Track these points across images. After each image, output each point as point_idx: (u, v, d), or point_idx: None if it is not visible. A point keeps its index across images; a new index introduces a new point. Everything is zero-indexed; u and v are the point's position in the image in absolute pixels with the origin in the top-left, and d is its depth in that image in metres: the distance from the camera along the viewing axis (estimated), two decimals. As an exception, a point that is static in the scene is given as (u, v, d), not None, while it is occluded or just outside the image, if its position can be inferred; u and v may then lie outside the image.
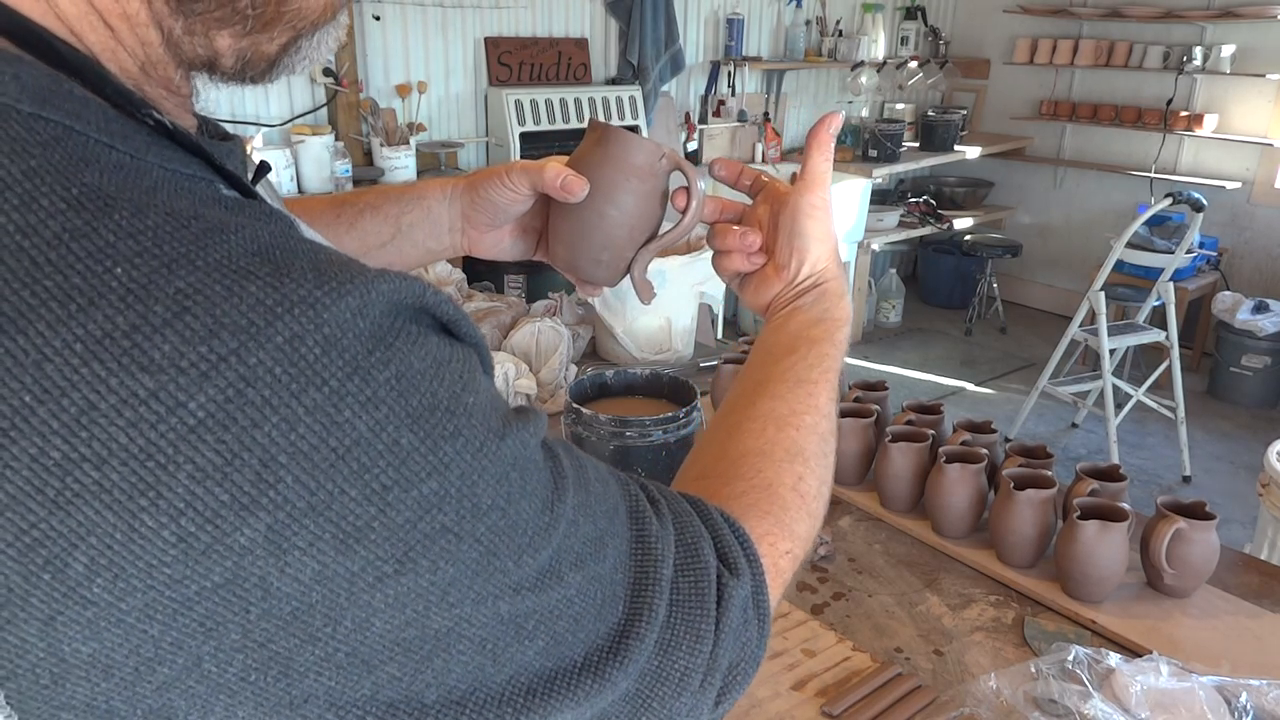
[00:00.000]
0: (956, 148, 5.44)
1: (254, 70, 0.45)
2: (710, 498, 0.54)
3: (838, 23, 5.35)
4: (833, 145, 0.72)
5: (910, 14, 5.85)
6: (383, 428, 0.34)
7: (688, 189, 0.75)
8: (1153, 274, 4.04)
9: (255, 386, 0.31)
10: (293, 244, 0.35)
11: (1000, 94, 6.01)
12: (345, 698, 0.35)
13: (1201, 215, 3.63)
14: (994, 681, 0.93)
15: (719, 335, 2.27)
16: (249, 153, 0.51)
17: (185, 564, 0.31)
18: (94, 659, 0.31)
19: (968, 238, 5.47)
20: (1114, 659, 0.94)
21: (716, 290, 1.93)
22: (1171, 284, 3.74)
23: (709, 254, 0.79)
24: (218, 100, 0.47)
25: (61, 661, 0.31)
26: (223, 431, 0.31)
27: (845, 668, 1.00)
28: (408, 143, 3.64)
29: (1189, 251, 4.00)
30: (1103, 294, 3.67)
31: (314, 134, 3.44)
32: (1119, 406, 3.84)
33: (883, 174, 5.16)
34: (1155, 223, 4.38)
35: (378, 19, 3.70)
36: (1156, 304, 3.86)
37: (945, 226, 5.46)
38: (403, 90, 3.75)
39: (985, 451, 1.23)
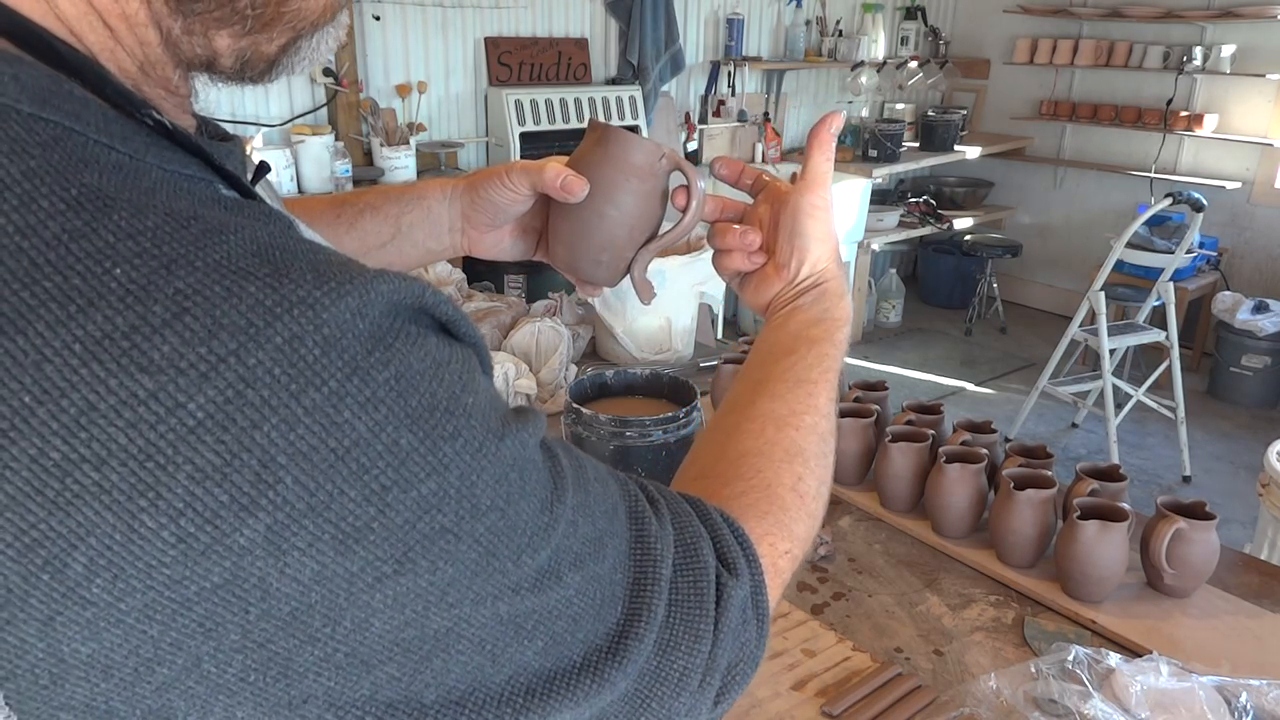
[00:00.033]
0: (956, 148, 5.44)
1: (253, 70, 0.45)
2: (709, 498, 0.54)
3: (838, 23, 5.35)
4: (834, 145, 0.72)
5: (910, 14, 5.85)
6: (382, 428, 0.34)
7: (688, 188, 0.75)
8: (1153, 274, 4.04)
9: (255, 387, 0.31)
10: (292, 244, 0.35)
11: (1000, 94, 6.01)
12: (344, 698, 0.35)
13: (1201, 215, 3.63)
14: (994, 681, 0.93)
15: (719, 335, 2.27)
16: (249, 153, 0.51)
17: (185, 564, 0.31)
18: (93, 659, 0.31)
19: (968, 238, 5.47)
20: (1114, 659, 0.94)
21: (716, 290, 1.93)
22: (1171, 284, 3.74)
23: (709, 254, 0.80)
24: (218, 100, 0.47)
25: (61, 662, 0.31)
26: (222, 432, 0.31)
27: (845, 668, 1.00)
28: (408, 143, 3.64)
29: (1189, 251, 4.00)
30: (1103, 294, 3.67)
31: (314, 134, 3.44)
32: (1119, 406, 3.84)
33: (883, 174, 5.16)
34: (1155, 223, 4.38)
35: (378, 19, 3.70)
36: (1156, 304, 3.86)
37: (945, 226, 5.46)
38: (403, 90, 3.75)
39: (985, 451, 1.23)
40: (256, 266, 0.33)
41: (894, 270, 5.68)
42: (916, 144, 5.53)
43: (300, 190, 3.44)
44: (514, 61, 4.11)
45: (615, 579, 0.43)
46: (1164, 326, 3.81)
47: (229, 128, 0.51)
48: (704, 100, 4.96)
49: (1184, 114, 5.10)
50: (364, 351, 0.34)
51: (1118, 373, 4.16)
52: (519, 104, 3.93)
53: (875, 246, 5.13)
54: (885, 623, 1.08)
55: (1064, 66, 5.53)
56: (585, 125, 0.77)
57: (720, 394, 1.51)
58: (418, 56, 3.87)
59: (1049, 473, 1.18)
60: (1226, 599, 1.12)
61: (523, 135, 3.93)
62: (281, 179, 3.34)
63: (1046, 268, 5.95)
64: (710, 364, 1.82)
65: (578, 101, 4.08)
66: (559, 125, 4.01)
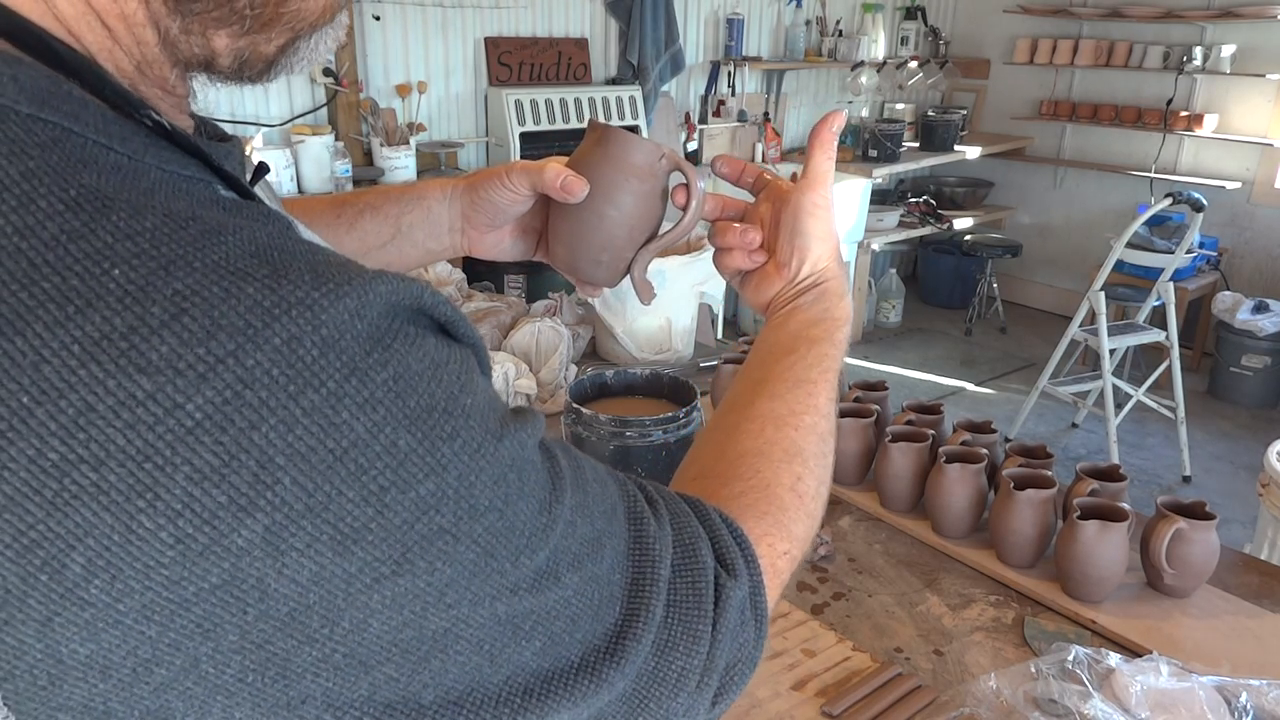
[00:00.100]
0: (956, 148, 5.44)
1: (251, 70, 0.45)
2: (708, 498, 0.54)
3: (838, 23, 5.35)
4: (835, 144, 0.72)
5: (910, 14, 5.85)
6: (380, 429, 0.34)
7: (687, 187, 0.75)
8: (1153, 274, 4.04)
9: (253, 388, 0.31)
10: (290, 245, 0.35)
11: (1000, 94, 6.01)
12: (343, 698, 0.35)
13: (1201, 215, 3.63)
14: (994, 681, 0.93)
15: (719, 335, 2.27)
16: (248, 153, 0.51)
17: (183, 565, 0.31)
18: (91, 660, 0.31)
19: (968, 238, 5.47)
20: (1114, 659, 0.94)
21: (716, 290, 1.93)
22: (1171, 284, 3.74)
23: (709, 254, 0.80)
24: (217, 100, 0.47)
25: (59, 662, 0.31)
26: (220, 433, 0.31)
27: (845, 668, 1.00)
28: (408, 143, 3.64)
29: (1189, 251, 4.00)
30: (1103, 294, 3.67)
31: (314, 134, 3.44)
32: (1119, 406, 3.84)
33: (883, 174, 5.16)
34: (1155, 223, 4.38)
35: (378, 19, 3.70)
36: (1156, 304, 3.86)
37: (945, 226, 5.46)
38: (403, 90, 3.75)
39: (985, 451, 1.23)
40: (255, 267, 0.33)
41: (894, 270, 5.68)
42: (916, 144, 5.53)
43: (300, 190, 3.44)
44: (514, 61, 4.11)
45: (613, 579, 0.43)
46: (1164, 326, 3.81)
47: (229, 128, 0.51)
48: (704, 100, 4.96)
49: (1184, 114, 5.10)
50: (362, 352, 0.34)
51: (1118, 373, 4.16)
52: (519, 104, 3.93)
53: (875, 246, 5.13)
54: (885, 623, 1.08)
55: (1064, 66, 5.53)
56: (585, 125, 0.77)
57: (720, 394, 1.51)
58: (418, 56, 3.87)
59: (1049, 473, 1.18)
60: (1226, 599, 1.12)
61: (523, 135, 3.93)
62: (281, 179, 3.34)
63: (1046, 268, 5.95)
64: (710, 364, 1.82)
65: (578, 101, 4.08)
66: (559, 125, 4.01)
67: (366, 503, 0.33)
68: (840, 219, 4.54)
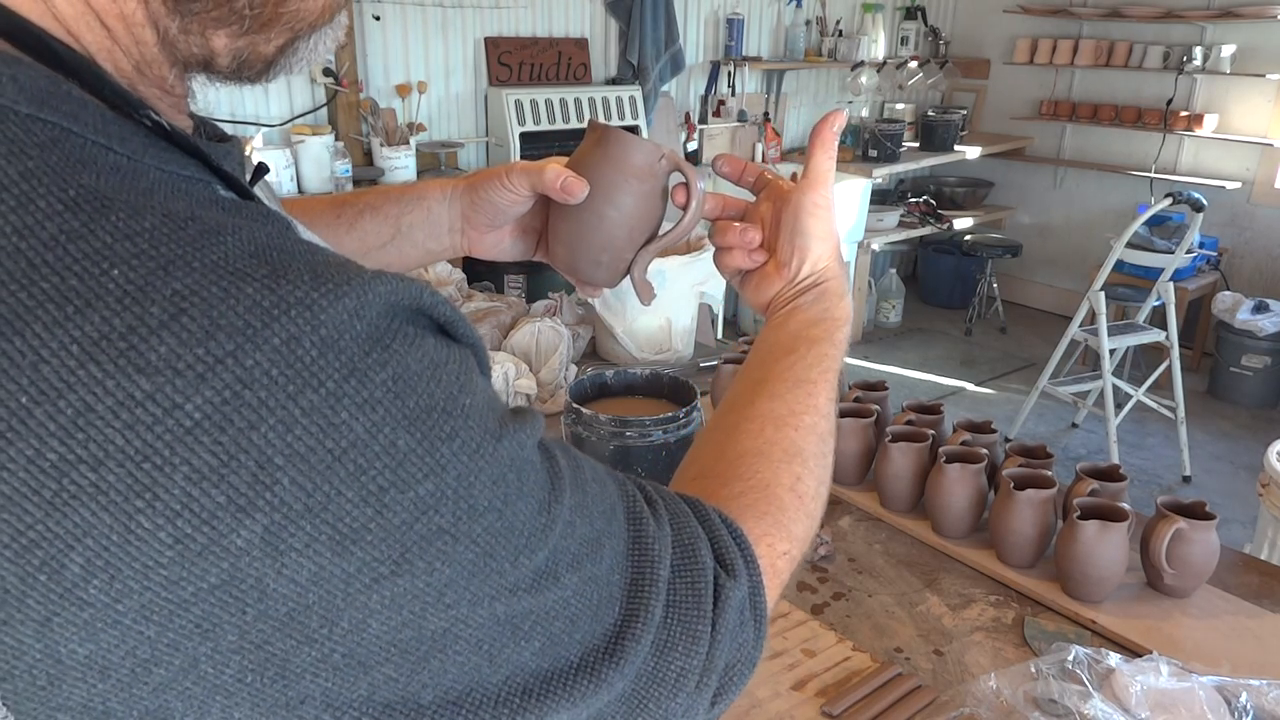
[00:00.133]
0: (956, 148, 5.43)
1: (250, 70, 0.45)
2: (708, 498, 0.54)
3: (838, 23, 5.35)
4: (836, 143, 0.72)
5: (910, 14, 5.85)
6: (379, 429, 0.34)
7: (688, 186, 0.75)
8: (1153, 274, 4.04)
9: (252, 388, 0.31)
10: (290, 245, 0.35)
11: (1000, 94, 6.01)
12: (342, 698, 0.35)
13: (1201, 215, 3.62)
14: (994, 681, 0.93)
15: (719, 335, 2.27)
16: (249, 153, 0.51)
17: (182, 565, 0.31)
18: (90, 660, 0.31)
19: (968, 238, 5.47)
20: (1114, 659, 0.94)
21: (716, 290, 1.93)
22: (1171, 284, 3.74)
23: (709, 254, 0.80)
24: (217, 100, 0.47)
25: (58, 663, 0.31)
26: (219, 433, 0.31)
27: (845, 668, 1.00)
28: (408, 143, 3.64)
29: (1189, 251, 4.00)
30: (1103, 294, 3.67)
31: (314, 134, 3.44)
32: (1119, 406, 3.84)
33: (883, 174, 5.16)
34: (1155, 223, 4.38)
35: (378, 19, 3.70)
36: (1156, 304, 3.86)
37: (945, 226, 5.46)
38: (403, 90, 3.75)
39: (985, 451, 1.23)
40: (254, 267, 0.33)
41: (894, 270, 5.68)
42: (916, 144, 5.53)
43: (300, 190, 3.44)
44: (514, 61, 4.11)
45: (613, 580, 0.43)
46: (1164, 326, 3.81)
47: (229, 128, 0.51)
48: (704, 100, 4.96)
49: (1184, 114, 5.10)
50: (361, 353, 0.34)
51: (1118, 373, 4.16)
52: (519, 104, 3.93)
53: (875, 246, 5.13)
54: (885, 623, 1.08)
55: (1064, 66, 5.53)
56: (585, 125, 0.77)
57: (720, 394, 1.50)
58: (418, 56, 3.87)
59: (1049, 473, 1.18)
60: (1226, 599, 1.11)
61: (523, 135, 3.93)
62: (281, 179, 3.34)
63: (1046, 268, 5.95)
64: (710, 364, 1.82)
65: (578, 101, 4.08)
66: (559, 125, 4.01)
67: (365, 503, 0.33)
68: (840, 219, 4.53)
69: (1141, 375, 4.12)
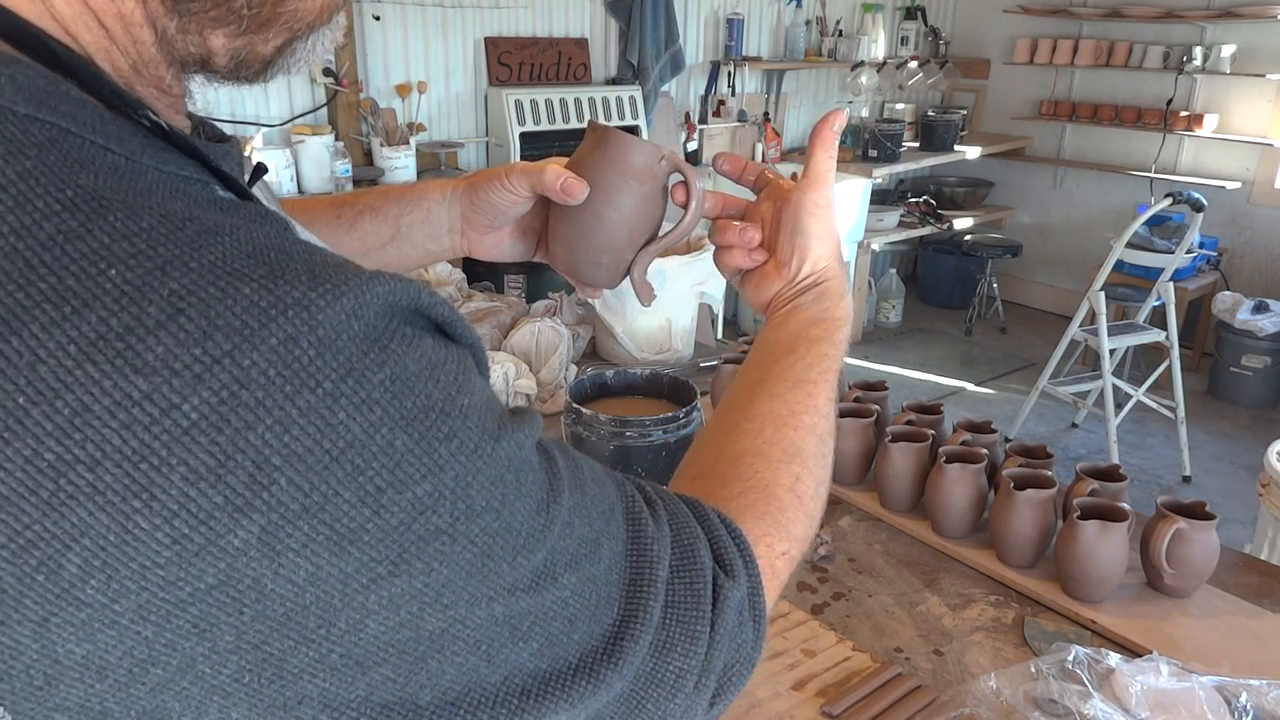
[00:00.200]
0: (956, 148, 5.43)
1: (248, 70, 0.45)
2: (707, 498, 0.54)
3: (838, 23, 5.35)
4: (836, 143, 0.72)
5: (910, 14, 5.85)
6: (377, 429, 0.34)
7: (688, 187, 0.75)
8: (1153, 274, 4.04)
9: (249, 388, 0.31)
10: (288, 246, 0.35)
11: (1000, 94, 6.00)
12: (339, 699, 0.35)
13: (1201, 215, 3.62)
14: (994, 681, 0.93)
15: (719, 335, 2.27)
16: (248, 153, 0.51)
17: (179, 565, 0.31)
18: (88, 660, 0.31)
19: (968, 238, 5.47)
20: (1114, 659, 0.94)
21: (716, 290, 1.93)
22: (1171, 284, 3.74)
23: (709, 254, 0.80)
24: (217, 100, 0.47)
25: (55, 662, 0.31)
26: (216, 433, 0.31)
27: (845, 668, 0.99)
28: (408, 143, 3.64)
29: (1189, 251, 4.00)
30: (1103, 294, 3.67)
31: (314, 134, 3.44)
32: (1119, 406, 3.84)
33: (883, 174, 5.16)
34: (1155, 223, 4.38)
35: (378, 19, 3.70)
36: (1156, 304, 3.86)
37: (945, 226, 5.46)
38: (403, 90, 3.75)
39: (985, 451, 1.23)
40: (252, 268, 0.33)
41: (894, 270, 5.68)
42: (916, 144, 5.53)
43: (300, 190, 3.44)
44: (514, 61, 4.11)
45: (611, 580, 0.43)
46: (1164, 326, 3.81)
47: (229, 128, 0.51)
48: (704, 100, 4.96)
49: (1184, 114, 5.10)
50: (359, 353, 0.34)
51: (1118, 373, 4.16)
52: (519, 104, 3.93)
53: (875, 246, 5.13)
54: (885, 623, 1.08)
55: (1064, 66, 5.53)
56: (585, 125, 0.77)
57: (720, 394, 1.50)
58: (418, 56, 3.87)
59: (1049, 473, 1.18)
60: (1226, 599, 1.11)
61: (523, 135, 3.93)
62: (281, 179, 3.34)
63: (1046, 268, 5.95)
64: (710, 364, 1.82)
65: (578, 101, 4.07)
66: (559, 125, 4.01)
67: (363, 503, 0.33)
68: (840, 219, 4.53)
69: (1141, 375, 4.12)
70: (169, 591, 0.31)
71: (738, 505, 0.55)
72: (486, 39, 4.04)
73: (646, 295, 0.79)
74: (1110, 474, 1.18)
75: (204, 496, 0.31)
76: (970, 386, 4.80)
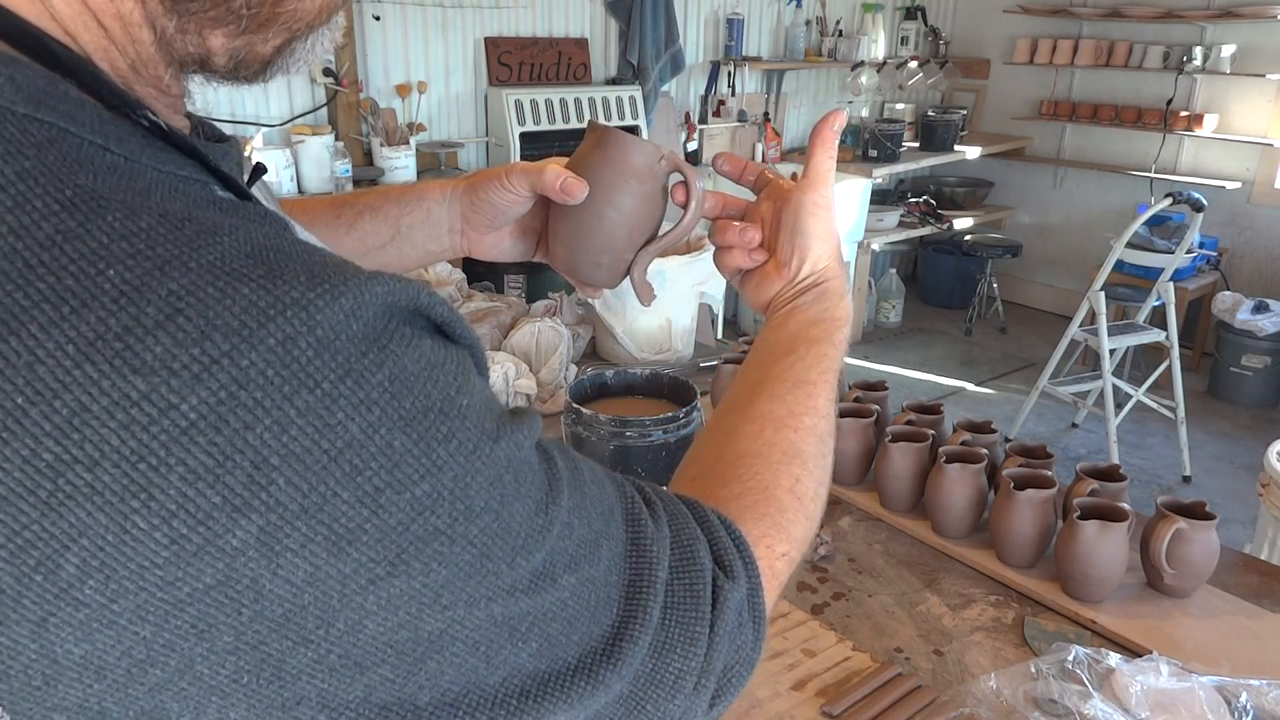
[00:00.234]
0: (956, 148, 5.43)
1: (247, 70, 0.45)
2: (707, 499, 0.54)
3: (838, 23, 5.35)
4: (836, 143, 0.72)
5: (910, 14, 5.85)
6: (375, 430, 0.34)
7: (687, 187, 0.75)
8: (1153, 274, 4.04)
9: (247, 389, 0.31)
10: (286, 246, 0.35)
11: (1000, 94, 6.00)
12: (338, 700, 0.35)
13: (1201, 215, 3.62)
14: (994, 681, 0.93)
15: (719, 335, 2.27)
16: (248, 153, 0.51)
17: (177, 566, 0.31)
18: (86, 660, 0.31)
19: (968, 238, 5.47)
20: (1114, 659, 0.94)
21: (716, 290, 1.93)
22: (1171, 284, 3.74)
23: (709, 254, 0.80)
24: (217, 100, 0.47)
25: (54, 663, 0.31)
26: (215, 434, 0.31)
27: (845, 668, 0.99)
28: (408, 143, 3.64)
29: (1189, 251, 4.00)
30: (1103, 294, 3.67)
31: (314, 134, 3.44)
32: (1119, 406, 3.84)
33: (883, 174, 5.16)
34: (1155, 223, 4.38)
35: (378, 19, 3.70)
36: (1156, 304, 3.86)
37: (945, 226, 5.46)
38: (403, 90, 3.75)
39: (985, 451, 1.23)
40: (250, 268, 0.33)
41: (894, 270, 5.68)
42: (916, 144, 5.53)
43: (300, 190, 3.44)
44: (514, 61, 4.11)
45: (610, 581, 0.43)
46: (1164, 326, 3.81)
47: (229, 128, 0.51)
48: (704, 100, 4.96)
49: (1184, 114, 5.10)
50: (358, 353, 0.34)
51: (1118, 373, 4.16)
52: (519, 104, 3.93)
53: (875, 246, 5.13)
54: (885, 623, 1.08)
55: (1064, 66, 5.53)
56: (585, 125, 0.77)
57: (720, 394, 1.50)
58: (418, 56, 3.87)
59: (1049, 473, 1.18)
60: (1226, 599, 1.11)
61: (523, 135, 3.93)
62: (281, 179, 3.34)
63: (1046, 268, 5.95)
64: (710, 364, 1.82)
65: (578, 101, 4.08)
66: (559, 125, 4.01)
67: (361, 503, 0.33)
68: (840, 219, 4.52)
69: (1141, 375, 4.12)
70: (167, 592, 0.31)
71: (737, 506, 0.55)
72: (486, 39, 4.04)
73: (647, 295, 0.79)
74: (1110, 474, 1.18)
75: (202, 497, 0.31)
76: (970, 386, 4.80)
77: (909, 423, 1.34)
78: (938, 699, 0.95)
